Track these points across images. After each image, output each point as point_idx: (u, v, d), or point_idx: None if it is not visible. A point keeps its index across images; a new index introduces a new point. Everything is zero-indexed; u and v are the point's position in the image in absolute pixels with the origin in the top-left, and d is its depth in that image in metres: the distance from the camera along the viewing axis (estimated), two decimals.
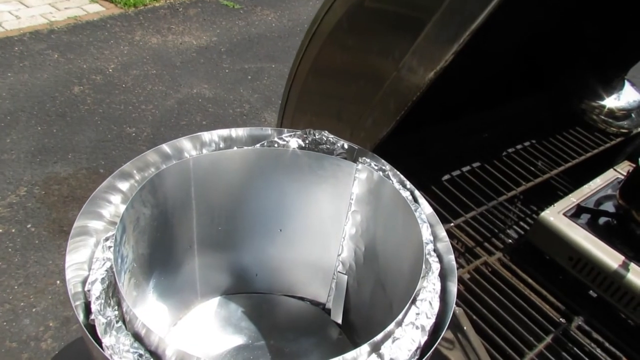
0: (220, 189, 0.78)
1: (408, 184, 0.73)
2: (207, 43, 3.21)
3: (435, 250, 0.65)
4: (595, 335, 0.92)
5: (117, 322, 0.54)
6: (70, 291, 0.57)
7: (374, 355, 0.51)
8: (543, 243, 1.04)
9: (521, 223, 1.16)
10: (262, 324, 0.89)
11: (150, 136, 2.38)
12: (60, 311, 1.63)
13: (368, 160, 0.76)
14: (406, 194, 0.71)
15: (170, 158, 0.74)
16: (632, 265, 0.91)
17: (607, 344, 0.89)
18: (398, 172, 0.75)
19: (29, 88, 2.54)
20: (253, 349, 0.84)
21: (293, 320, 0.91)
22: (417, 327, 0.54)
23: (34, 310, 1.62)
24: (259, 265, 0.90)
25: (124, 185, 0.69)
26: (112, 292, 0.58)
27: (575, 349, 0.89)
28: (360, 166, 0.76)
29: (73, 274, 0.59)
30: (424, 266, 0.60)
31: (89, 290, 0.58)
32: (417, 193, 0.73)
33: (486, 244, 1.07)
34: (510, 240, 1.11)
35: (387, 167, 0.75)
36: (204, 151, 0.77)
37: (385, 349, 0.51)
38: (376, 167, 0.76)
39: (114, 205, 0.67)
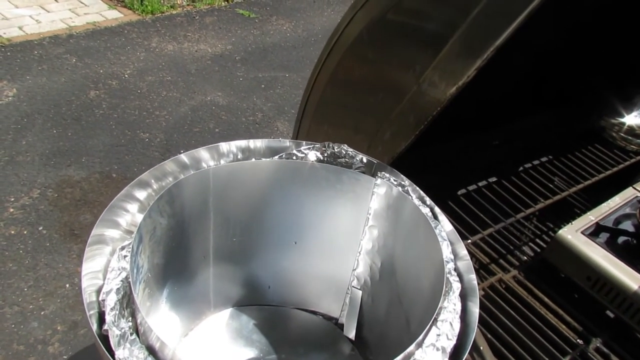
0: (237, 200, 0.78)
1: (428, 200, 0.72)
2: (222, 51, 3.24)
3: (455, 269, 0.64)
4: (613, 357, 0.90)
5: (131, 334, 0.54)
6: (86, 300, 0.56)
7: None
8: (560, 261, 1.02)
9: (537, 240, 1.15)
10: (274, 337, 0.88)
11: (164, 142, 2.40)
12: (69, 315, 1.63)
13: (387, 175, 0.76)
14: (426, 211, 0.70)
15: (188, 168, 0.74)
16: None
17: None
18: (417, 188, 0.74)
19: (46, 91, 2.57)
20: None
21: (305, 334, 0.90)
22: (437, 349, 0.53)
23: (42, 313, 1.62)
24: (272, 278, 0.89)
25: (141, 194, 0.69)
26: (126, 302, 0.58)
27: None
28: (379, 181, 0.75)
29: (88, 282, 0.59)
30: (444, 286, 0.59)
31: (103, 300, 0.57)
32: (437, 210, 0.72)
33: (501, 261, 1.05)
34: (525, 258, 1.09)
35: (407, 182, 0.74)
36: (222, 162, 0.76)
37: None
38: (395, 182, 0.75)
39: (130, 214, 0.67)
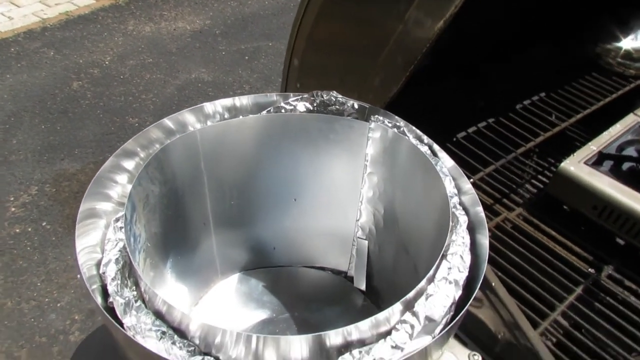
0: (229, 161, 0.75)
1: (425, 138, 0.70)
2: (201, 27, 3.16)
3: (461, 204, 0.62)
4: (627, 283, 0.89)
5: (135, 301, 0.52)
6: (85, 275, 0.55)
7: (408, 314, 0.49)
8: (564, 194, 1.01)
9: (540, 177, 1.13)
10: (285, 297, 0.87)
11: None
12: (84, 304, 1.64)
13: (381, 118, 0.73)
14: (424, 149, 0.68)
15: (174, 133, 0.71)
16: None
17: None
18: (414, 128, 0.71)
19: (29, 87, 2.52)
20: (278, 322, 0.82)
21: (315, 291, 0.89)
22: (450, 282, 0.51)
23: (58, 305, 1.63)
24: (276, 238, 0.87)
25: (129, 164, 0.66)
26: (128, 272, 0.56)
27: (607, 298, 0.86)
28: (373, 125, 0.73)
29: (85, 257, 0.57)
30: (450, 221, 0.57)
31: (104, 273, 0.56)
32: (435, 147, 0.69)
33: (505, 200, 1.04)
34: (529, 195, 1.08)
35: (402, 123, 0.72)
36: (209, 123, 0.74)
37: (419, 306, 0.49)
38: (390, 125, 0.72)
39: (120, 185, 0.65)
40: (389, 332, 0.48)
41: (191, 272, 0.80)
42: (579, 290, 0.87)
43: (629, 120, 1.12)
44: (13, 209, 1.94)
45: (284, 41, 3.04)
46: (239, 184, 0.79)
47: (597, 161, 1.01)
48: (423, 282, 0.50)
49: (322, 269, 0.91)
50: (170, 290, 0.75)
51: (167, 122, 0.70)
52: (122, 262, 0.56)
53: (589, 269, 0.91)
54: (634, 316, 0.83)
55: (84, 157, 2.19)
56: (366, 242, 0.83)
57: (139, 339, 0.49)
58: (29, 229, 1.87)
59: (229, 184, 0.78)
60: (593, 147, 1.04)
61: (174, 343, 0.48)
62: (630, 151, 1.05)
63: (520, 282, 0.86)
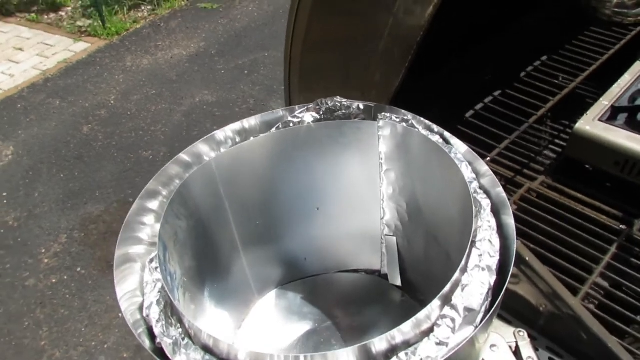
0: (247, 183, 0.77)
1: (435, 127, 0.70)
2: (197, 50, 3.20)
3: (481, 188, 0.62)
4: None
5: (183, 339, 0.54)
6: (129, 321, 0.57)
7: (447, 309, 0.49)
8: (584, 155, 0.99)
9: (557, 141, 1.12)
10: (324, 305, 0.88)
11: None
12: (130, 341, 1.68)
13: (388, 114, 0.73)
14: (436, 138, 0.68)
15: (191, 165, 0.73)
16: None
17: None
18: (422, 119, 0.71)
19: (42, 140, 2.58)
20: (322, 332, 0.83)
21: (353, 294, 0.90)
22: (483, 269, 0.52)
23: (105, 346, 1.67)
24: (305, 249, 0.89)
25: (153, 204, 0.68)
26: (170, 311, 0.58)
27: None
28: (381, 123, 0.73)
29: (127, 303, 0.59)
30: (473, 206, 0.57)
31: (147, 315, 0.57)
32: (447, 134, 0.69)
33: (526, 171, 1.03)
34: (549, 161, 1.06)
35: (409, 116, 0.72)
36: (222, 150, 0.75)
37: (456, 299, 0.49)
38: (398, 119, 0.73)
39: (149, 226, 0.67)
40: (431, 330, 0.48)
41: (228, 296, 0.82)
42: (613, 249, 0.86)
43: (637, 69, 1.10)
44: (46, 261, 1.99)
45: (280, 48, 3.06)
46: (260, 203, 0.80)
47: (611, 116, 1.00)
48: (457, 274, 0.51)
49: (356, 271, 0.92)
50: (212, 318, 0.77)
51: (183, 156, 0.72)
52: (163, 303, 0.57)
53: (621, 226, 0.90)
54: None
55: (106, 198, 2.24)
56: (394, 238, 0.84)
57: None
58: (65, 277, 1.92)
59: (251, 205, 0.80)
60: (605, 102, 1.02)
61: None
62: None
63: (553, 250, 0.86)
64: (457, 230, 0.67)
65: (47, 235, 2.10)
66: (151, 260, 0.62)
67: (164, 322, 0.55)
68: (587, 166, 1.00)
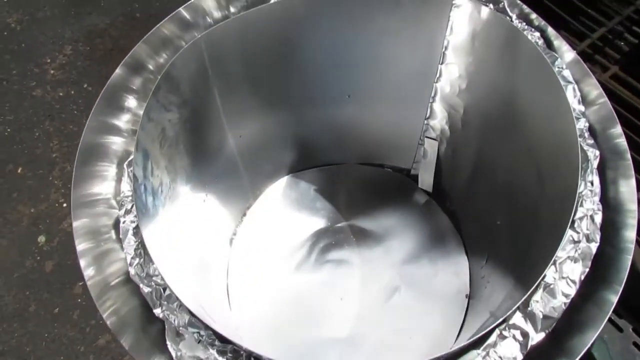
0: (264, 55, 0.57)
1: (536, 18, 0.49)
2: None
3: (590, 128, 0.44)
4: None
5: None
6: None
7: (519, 316, 0.37)
8: None
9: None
10: (340, 201, 0.76)
11: None
12: None
13: None
14: (535, 37, 0.48)
15: (192, 26, 0.53)
16: None
17: None
18: (519, 2, 0.49)
19: None
20: (334, 233, 0.74)
21: (373, 190, 0.78)
22: (575, 260, 0.38)
23: None
24: (327, 135, 0.73)
25: (136, 82, 0.51)
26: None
27: None
28: (458, 0, 0.51)
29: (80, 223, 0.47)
30: (580, 162, 0.40)
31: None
32: (550, 31, 0.49)
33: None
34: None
35: None
36: (232, 9, 0.54)
37: (535, 304, 0.37)
38: None
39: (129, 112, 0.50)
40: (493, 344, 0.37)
41: (231, 192, 0.69)
42: None
43: None
44: (52, 72, 1.88)
45: None
46: (279, 80, 0.62)
47: None
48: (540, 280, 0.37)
49: (381, 166, 0.78)
50: (213, 215, 0.66)
51: (183, 12, 0.52)
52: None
53: None
54: None
55: (112, 10, 2.00)
56: (436, 142, 0.68)
57: None
58: (72, 92, 1.83)
59: (268, 80, 0.62)
60: None
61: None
62: None
63: None
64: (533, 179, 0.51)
65: (51, 44, 1.95)
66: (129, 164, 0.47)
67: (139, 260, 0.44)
68: None
